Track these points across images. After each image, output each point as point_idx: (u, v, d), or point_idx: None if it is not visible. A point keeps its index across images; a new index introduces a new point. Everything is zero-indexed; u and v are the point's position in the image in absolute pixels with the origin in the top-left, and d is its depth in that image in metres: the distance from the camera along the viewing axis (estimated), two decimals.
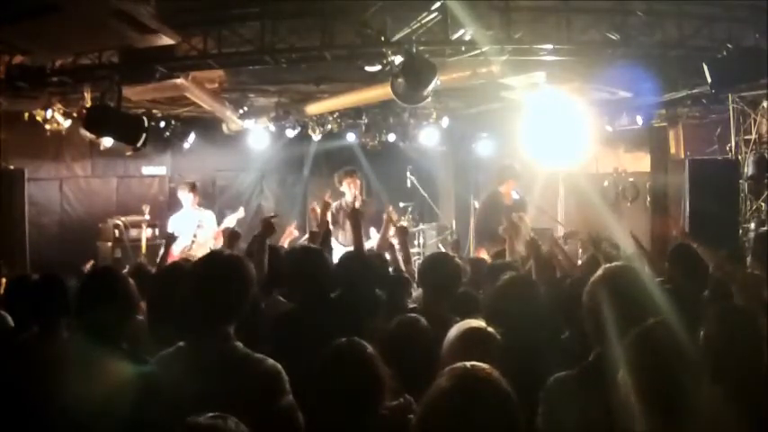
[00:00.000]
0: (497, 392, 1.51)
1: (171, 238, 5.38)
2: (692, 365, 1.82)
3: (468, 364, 1.59)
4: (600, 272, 2.29)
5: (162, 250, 5.19)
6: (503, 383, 1.54)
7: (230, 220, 7.40)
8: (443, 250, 9.13)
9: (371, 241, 5.93)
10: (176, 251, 6.49)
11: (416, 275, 4.11)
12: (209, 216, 7.54)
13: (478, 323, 2.50)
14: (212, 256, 2.67)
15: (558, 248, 4.73)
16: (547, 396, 2.12)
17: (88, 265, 5.57)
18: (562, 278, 3.92)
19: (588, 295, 2.21)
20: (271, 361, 2.28)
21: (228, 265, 2.38)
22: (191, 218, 7.40)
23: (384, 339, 2.65)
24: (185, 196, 7.55)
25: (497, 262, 4.79)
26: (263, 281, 3.82)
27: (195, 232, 7.17)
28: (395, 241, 5.12)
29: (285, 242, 5.51)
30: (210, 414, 1.51)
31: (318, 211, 5.34)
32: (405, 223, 7.82)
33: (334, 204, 7.16)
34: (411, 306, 3.71)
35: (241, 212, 7.57)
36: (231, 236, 4.82)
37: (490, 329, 2.46)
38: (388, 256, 5.02)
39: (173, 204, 10.25)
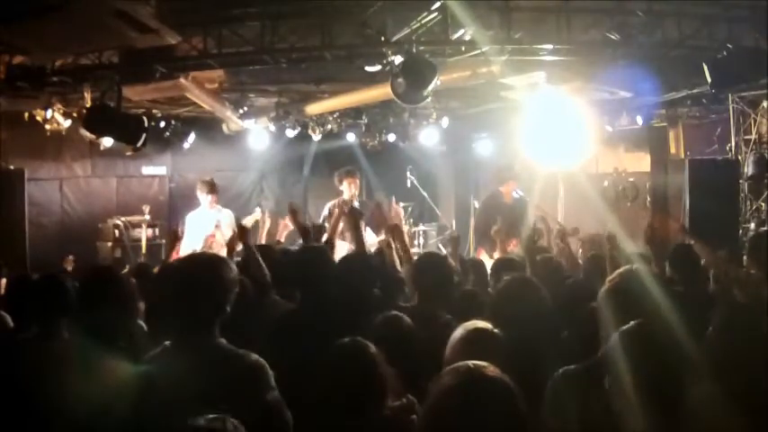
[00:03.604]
0: (502, 390, 1.51)
1: (175, 238, 5.31)
2: (685, 363, 1.82)
3: (470, 362, 1.59)
4: (617, 273, 2.30)
5: (165, 250, 5.15)
6: (507, 381, 1.54)
7: (248, 221, 7.36)
8: (444, 250, 9.12)
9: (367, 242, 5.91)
10: (188, 250, 6.41)
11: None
12: (227, 215, 7.44)
13: (483, 324, 2.50)
14: (192, 258, 2.66)
15: (564, 243, 4.76)
16: (553, 389, 2.13)
17: (68, 264, 5.52)
18: (563, 278, 3.92)
19: (604, 295, 2.22)
20: (254, 356, 2.27)
21: (206, 267, 2.37)
22: (208, 217, 7.30)
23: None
24: (203, 197, 7.41)
25: (500, 261, 4.79)
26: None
27: (214, 232, 7.10)
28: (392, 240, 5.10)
29: (282, 236, 5.49)
30: (210, 416, 1.51)
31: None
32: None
33: (332, 204, 7.16)
34: (404, 305, 3.71)
35: (258, 213, 7.51)
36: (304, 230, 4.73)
37: (495, 330, 2.46)
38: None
39: (173, 204, 10.29)
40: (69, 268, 7.20)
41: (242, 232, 4.41)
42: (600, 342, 2.17)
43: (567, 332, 2.98)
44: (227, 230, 7.25)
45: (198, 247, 6.68)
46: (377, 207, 6.26)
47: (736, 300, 3.54)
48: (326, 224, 7.05)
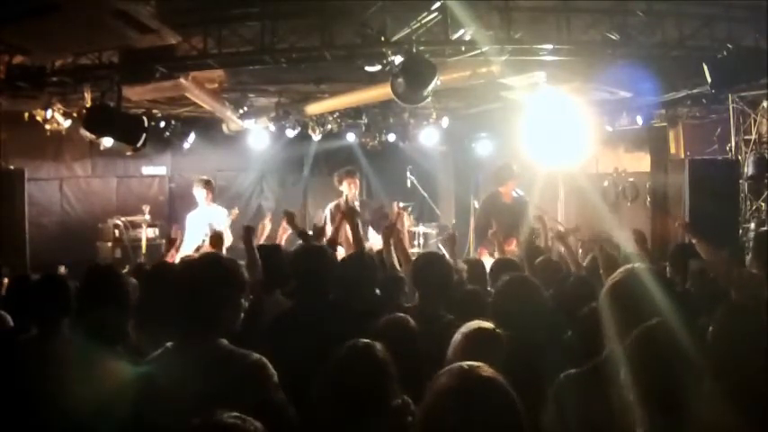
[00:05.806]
0: (497, 390, 1.51)
1: (171, 241, 5.40)
2: (691, 365, 1.82)
3: (465, 363, 1.59)
4: (617, 272, 2.30)
5: (163, 251, 5.21)
6: (502, 381, 1.53)
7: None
8: (443, 250, 9.10)
9: (369, 242, 5.92)
10: (188, 250, 6.45)
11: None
12: (220, 213, 7.51)
13: (486, 324, 2.49)
14: (199, 260, 2.66)
15: (563, 244, 4.75)
16: (557, 393, 2.12)
17: (62, 269, 5.57)
18: (564, 278, 3.92)
19: (604, 295, 2.22)
20: (256, 355, 2.27)
21: (210, 266, 2.37)
22: (205, 216, 7.37)
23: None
24: (199, 192, 7.50)
25: (498, 261, 4.79)
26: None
27: (207, 231, 7.15)
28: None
29: (282, 239, 5.50)
30: (234, 414, 1.50)
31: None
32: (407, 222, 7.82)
33: (333, 205, 7.17)
34: (406, 306, 3.70)
35: (235, 211, 7.58)
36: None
37: (497, 330, 2.46)
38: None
39: (173, 204, 10.29)
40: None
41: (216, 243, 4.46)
42: (602, 342, 2.17)
43: (570, 332, 2.97)
44: (221, 228, 7.33)
45: (195, 246, 6.74)
46: (380, 210, 6.26)
47: (736, 300, 3.53)
48: (326, 226, 7.10)
